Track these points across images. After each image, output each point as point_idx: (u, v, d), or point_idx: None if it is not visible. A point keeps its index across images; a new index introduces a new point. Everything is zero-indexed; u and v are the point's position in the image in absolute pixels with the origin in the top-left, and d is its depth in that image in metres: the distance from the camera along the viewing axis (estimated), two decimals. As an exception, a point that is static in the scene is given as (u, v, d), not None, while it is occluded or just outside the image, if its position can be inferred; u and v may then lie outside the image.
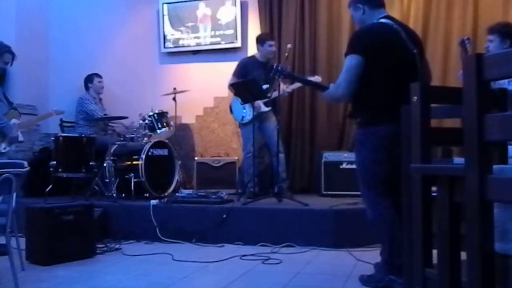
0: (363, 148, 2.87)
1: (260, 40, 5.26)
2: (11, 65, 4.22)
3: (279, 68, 3.39)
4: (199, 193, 4.76)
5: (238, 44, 5.98)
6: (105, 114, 5.71)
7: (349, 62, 2.76)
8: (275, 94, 4.82)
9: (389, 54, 2.76)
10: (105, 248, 3.92)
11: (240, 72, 5.21)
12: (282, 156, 5.09)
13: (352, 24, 5.25)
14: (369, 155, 2.82)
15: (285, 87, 5.03)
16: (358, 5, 2.94)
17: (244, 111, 5.11)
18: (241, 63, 5.31)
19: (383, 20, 2.86)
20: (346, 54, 2.82)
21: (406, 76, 2.66)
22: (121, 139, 5.33)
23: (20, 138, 4.49)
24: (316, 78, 4.89)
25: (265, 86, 4.87)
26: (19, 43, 5.87)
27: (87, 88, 5.90)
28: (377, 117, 2.77)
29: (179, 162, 5.36)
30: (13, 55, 4.13)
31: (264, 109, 5.09)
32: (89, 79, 5.90)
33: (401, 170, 2.67)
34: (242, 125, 5.26)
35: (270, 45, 5.18)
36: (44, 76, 6.48)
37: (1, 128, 4.11)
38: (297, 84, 5.03)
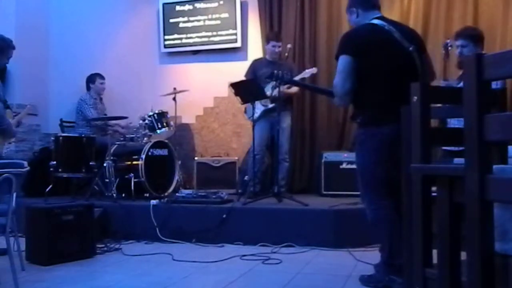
0: (363, 149, 2.86)
1: (266, 39, 5.28)
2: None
3: (280, 74, 3.38)
4: (199, 193, 4.76)
5: (238, 44, 5.98)
6: (105, 114, 5.70)
7: (340, 63, 2.78)
8: (275, 92, 4.61)
9: (381, 53, 2.76)
10: (105, 248, 3.92)
11: (249, 72, 5.21)
12: (286, 165, 5.08)
13: (352, 24, 5.26)
14: (369, 156, 2.82)
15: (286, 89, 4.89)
16: (352, 9, 2.97)
17: (254, 110, 4.97)
18: (251, 64, 5.31)
19: (374, 21, 2.85)
20: (336, 57, 2.83)
21: (405, 75, 2.66)
22: (121, 139, 5.33)
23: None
24: (312, 70, 4.85)
25: (268, 88, 4.78)
26: (19, 42, 5.82)
27: (88, 88, 5.88)
28: (377, 117, 2.77)
29: (179, 162, 5.36)
30: (14, 48, 4.15)
31: (260, 108, 5.00)
32: (91, 79, 5.88)
33: (401, 170, 2.67)
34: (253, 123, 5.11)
35: (273, 46, 5.12)
36: (45, 75, 6.48)
37: (3, 130, 4.00)
38: (295, 89, 4.92)
